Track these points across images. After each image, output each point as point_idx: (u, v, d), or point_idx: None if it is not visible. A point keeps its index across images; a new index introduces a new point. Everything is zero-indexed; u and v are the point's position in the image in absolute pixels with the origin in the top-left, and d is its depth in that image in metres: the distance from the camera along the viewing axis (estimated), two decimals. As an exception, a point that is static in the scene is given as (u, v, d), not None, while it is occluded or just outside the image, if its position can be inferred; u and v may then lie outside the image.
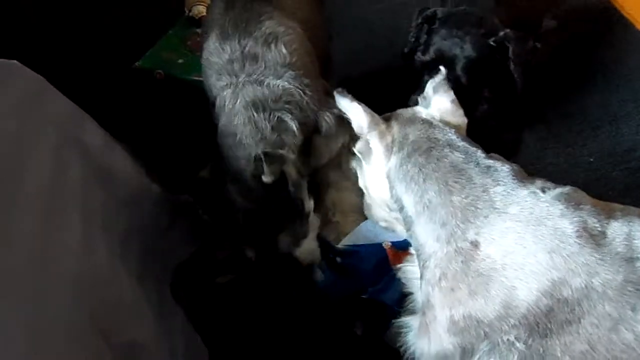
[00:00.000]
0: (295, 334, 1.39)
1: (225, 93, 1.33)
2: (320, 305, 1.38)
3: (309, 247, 1.37)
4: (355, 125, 1.12)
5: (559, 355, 0.90)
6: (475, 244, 0.93)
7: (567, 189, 0.98)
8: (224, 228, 1.35)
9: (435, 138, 1.04)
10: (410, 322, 1.06)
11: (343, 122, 1.35)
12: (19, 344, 0.79)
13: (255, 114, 1.30)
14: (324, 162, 1.46)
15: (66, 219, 0.99)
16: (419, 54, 1.55)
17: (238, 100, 1.31)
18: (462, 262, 0.94)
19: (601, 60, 2.02)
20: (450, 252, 0.95)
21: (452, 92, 1.13)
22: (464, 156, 1.01)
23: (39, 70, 1.11)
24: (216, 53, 1.38)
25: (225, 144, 1.32)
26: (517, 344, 0.91)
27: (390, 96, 1.69)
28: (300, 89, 1.35)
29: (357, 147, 1.11)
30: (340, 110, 1.27)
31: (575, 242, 0.90)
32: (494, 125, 1.71)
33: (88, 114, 1.21)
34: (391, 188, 1.06)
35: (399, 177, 1.03)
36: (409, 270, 1.09)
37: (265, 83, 1.33)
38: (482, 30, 1.47)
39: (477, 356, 0.94)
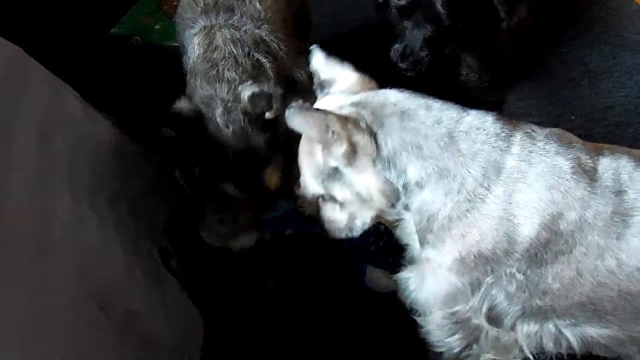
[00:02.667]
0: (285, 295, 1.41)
1: (200, 36, 1.32)
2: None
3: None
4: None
5: (550, 282, 0.96)
6: (487, 188, 0.95)
7: (556, 129, 1.01)
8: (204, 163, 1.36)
9: (408, 107, 0.99)
10: (410, 274, 1.08)
11: None
12: (18, 314, 0.79)
13: (234, 49, 1.29)
14: None
15: (54, 189, 0.98)
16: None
17: (216, 37, 1.31)
18: (472, 208, 0.95)
19: (581, 18, 2.02)
20: (461, 200, 0.95)
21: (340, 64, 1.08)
22: (450, 110, 0.99)
23: (12, 40, 1.08)
24: (189, 8, 1.38)
25: (204, 77, 1.29)
26: (517, 275, 0.97)
27: (376, 56, 1.69)
28: (276, 43, 1.35)
29: (342, 153, 0.96)
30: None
31: (571, 177, 0.94)
32: (477, 85, 1.71)
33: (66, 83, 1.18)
34: (389, 169, 0.98)
35: (396, 152, 0.97)
36: (405, 226, 1.10)
37: (242, 29, 1.32)
38: None
39: (483, 288, 0.99)
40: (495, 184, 0.95)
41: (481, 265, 0.97)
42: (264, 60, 1.31)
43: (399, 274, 1.10)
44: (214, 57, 1.29)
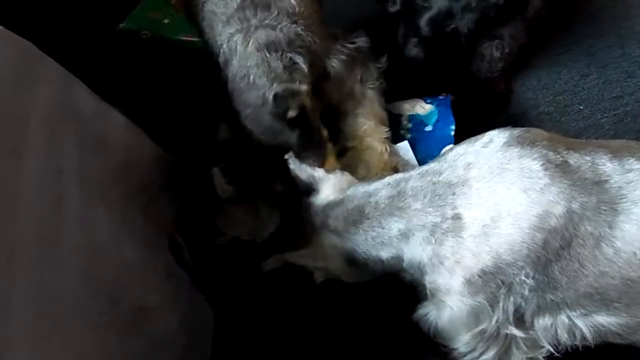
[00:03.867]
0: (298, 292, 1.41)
1: (235, 38, 1.33)
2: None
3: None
4: None
5: (558, 277, 0.98)
6: (457, 217, 0.99)
7: (516, 131, 1.04)
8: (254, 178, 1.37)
9: (355, 206, 1.10)
10: (427, 309, 1.11)
11: (353, 64, 1.43)
12: (27, 313, 0.80)
13: (267, 54, 1.30)
14: (335, 101, 1.47)
15: (64, 187, 0.98)
16: (389, 3, 1.57)
17: (250, 43, 1.31)
18: (453, 237, 0.99)
19: (588, 8, 2.01)
20: (439, 237, 1.00)
21: (318, 170, 1.21)
22: (390, 187, 1.07)
23: (21, 35, 1.08)
24: (222, 3, 1.38)
25: (237, 88, 1.31)
26: (527, 280, 0.98)
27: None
28: (311, 37, 1.36)
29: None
30: (349, 54, 1.38)
31: (544, 174, 0.96)
32: (487, 75, 1.71)
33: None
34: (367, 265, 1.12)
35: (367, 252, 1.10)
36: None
37: (278, 27, 1.33)
38: None
39: (501, 300, 1.01)
40: (467, 209, 0.98)
41: (490, 281, 0.99)
42: (298, 57, 1.31)
43: (416, 313, 1.13)
44: (247, 65, 1.30)
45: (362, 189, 1.11)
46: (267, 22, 1.33)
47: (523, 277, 0.97)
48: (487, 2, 1.49)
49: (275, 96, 1.25)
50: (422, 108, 1.65)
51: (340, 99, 1.50)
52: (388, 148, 1.51)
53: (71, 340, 0.85)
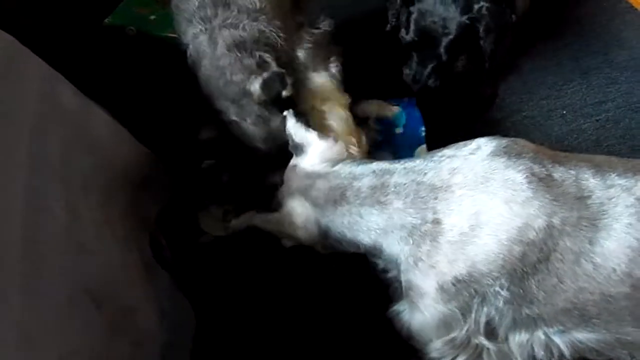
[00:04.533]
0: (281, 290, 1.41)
1: (200, 39, 1.32)
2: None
3: None
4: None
5: (535, 291, 0.97)
6: (437, 221, 0.98)
7: (504, 141, 1.03)
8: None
9: (337, 185, 1.10)
10: (401, 307, 1.11)
11: (318, 49, 1.44)
12: (11, 313, 0.79)
13: (238, 53, 1.30)
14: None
15: (48, 186, 0.97)
16: (403, 31, 1.60)
17: (219, 45, 1.31)
18: (431, 241, 0.99)
19: (573, 15, 2.04)
20: (417, 239, 1.00)
21: (312, 132, 1.19)
22: (375, 176, 1.07)
23: (5, 30, 1.06)
24: None
25: (215, 88, 1.31)
26: (502, 292, 0.98)
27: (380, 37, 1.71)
28: (274, 32, 1.35)
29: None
30: (314, 41, 1.39)
31: (527, 187, 0.95)
32: (473, 79, 1.72)
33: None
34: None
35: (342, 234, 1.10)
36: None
37: (240, 26, 1.32)
38: (459, 7, 1.51)
39: (474, 310, 1.00)
40: (447, 215, 0.98)
41: (463, 289, 0.99)
42: (266, 55, 1.32)
43: (391, 309, 1.13)
44: (220, 65, 1.30)
45: (348, 168, 1.10)
46: (229, 21, 1.32)
47: (498, 289, 0.97)
48: (504, 20, 1.55)
49: (265, 82, 1.25)
50: (390, 110, 1.66)
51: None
52: (350, 115, 1.52)
53: (58, 341, 0.85)
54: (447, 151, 1.06)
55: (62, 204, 0.97)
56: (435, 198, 0.99)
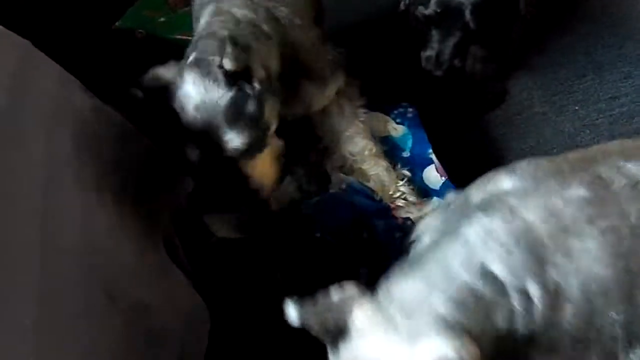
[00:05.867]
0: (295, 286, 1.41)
1: (210, 6, 1.29)
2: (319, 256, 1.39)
3: (263, 169, 1.30)
4: None
5: None
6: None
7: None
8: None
9: None
10: None
11: (337, 68, 1.36)
12: (29, 313, 0.79)
13: (238, 10, 1.25)
14: (316, 109, 1.44)
15: (63, 188, 0.98)
16: (420, 7, 1.53)
17: (223, 5, 1.27)
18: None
19: (585, 9, 2.02)
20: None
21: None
22: None
23: (19, 34, 1.08)
24: None
25: (198, 33, 1.26)
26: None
27: (387, 44, 1.70)
28: (290, 23, 1.32)
29: None
30: (333, 57, 1.30)
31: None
32: (482, 76, 1.72)
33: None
34: None
35: None
36: None
37: (255, 2, 1.29)
38: None
39: None
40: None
41: None
42: (267, 26, 1.26)
43: None
44: (214, 20, 1.25)
45: None
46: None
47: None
48: None
49: (222, 39, 1.17)
50: (395, 129, 1.61)
51: (329, 114, 1.48)
52: (389, 163, 1.50)
53: (73, 338, 0.85)
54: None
55: (77, 204, 0.98)
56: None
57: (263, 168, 1.30)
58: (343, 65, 1.45)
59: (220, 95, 1.18)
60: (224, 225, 1.41)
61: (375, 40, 1.84)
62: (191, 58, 1.22)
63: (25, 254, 0.83)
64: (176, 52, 1.70)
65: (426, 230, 1.03)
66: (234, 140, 1.22)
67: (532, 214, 0.86)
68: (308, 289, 1.39)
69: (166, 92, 1.24)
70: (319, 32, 1.44)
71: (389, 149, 1.58)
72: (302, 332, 1.36)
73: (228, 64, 1.15)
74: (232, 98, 1.19)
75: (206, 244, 1.46)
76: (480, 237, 0.85)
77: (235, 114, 1.20)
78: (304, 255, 1.41)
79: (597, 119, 1.74)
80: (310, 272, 1.41)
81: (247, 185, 1.29)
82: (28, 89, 1.00)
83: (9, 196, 0.85)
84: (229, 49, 1.15)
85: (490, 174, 0.99)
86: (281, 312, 1.38)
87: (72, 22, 1.75)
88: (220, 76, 1.17)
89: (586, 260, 0.84)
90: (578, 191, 0.88)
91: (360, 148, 1.50)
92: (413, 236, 1.07)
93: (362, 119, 1.53)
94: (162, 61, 1.75)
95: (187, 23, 1.62)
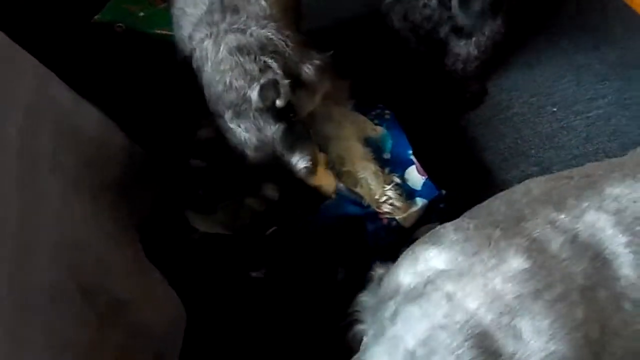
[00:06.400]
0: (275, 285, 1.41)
1: (206, 44, 1.30)
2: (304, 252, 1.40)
3: (323, 178, 1.37)
4: None
5: None
6: None
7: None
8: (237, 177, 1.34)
9: None
10: None
11: (324, 72, 1.36)
12: (3, 307, 0.78)
13: (241, 58, 1.27)
14: (306, 114, 1.45)
15: (39, 182, 0.97)
16: None
17: (221, 48, 1.29)
18: None
19: (564, 11, 2.04)
20: None
21: None
22: None
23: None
24: (192, 3, 1.35)
25: (215, 93, 1.28)
26: None
27: (366, 46, 1.69)
28: (283, 40, 1.33)
29: None
30: (320, 61, 1.29)
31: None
32: (462, 75, 1.73)
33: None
34: None
35: None
36: None
37: (248, 32, 1.30)
38: None
39: None
40: None
41: None
42: (271, 61, 1.29)
43: None
44: (221, 69, 1.28)
45: None
46: (236, 26, 1.31)
47: None
48: None
49: (262, 87, 1.22)
50: (373, 130, 1.60)
51: (317, 118, 1.48)
52: (378, 166, 1.51)
53: (50, 334, 0.85)
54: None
55: (53, 196, 0.97)
56: None
57: (323, 177, 1.36)
58: (329, 69, 1.46)
59: (273, 130, 1.25)
60: (205, 221, 1.41)
61: (353, 42, 1.85)
62: (229, 113, 1.26)
63: (1, 250, 0.82)
64: (155, 47, 1.71)
65: (365, 318, 1.02)
66: (300, 162, 1.28)
67: (472, 300, 0.79)
68: (289, 287, 1.41)
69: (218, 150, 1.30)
70: (302, 37, 1.45)
71: (371, 151, 1.57)
72: (285, 329, 1.37)
73: (280, 102, 1.22)
74: (284, 128, 1.26)
75: (188, 240, 1.46)
76: (419, 341, 0.78)
77: (291, 140, 1.27)
78: (287, 253, 1.41)
79: (574, 121, 1.76)
80: (292, 270, 1.42)
81: (317, 194, 1.35)
82: (3, 81, 0.99)
83: None
84: (282, 89, 1.22)
85: (416, 247, 0.92)
86: (262, 309, 1.40)
87: (51, 15, 1.73)
88: (266, 114, 1.24)
89: (539, 341, 0.77)
90: (515, 263, 0.82)
91: (349, 151, 1.51)
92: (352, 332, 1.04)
93: (350, 121, 1.54)
94: (142, 55, 1.75)
95: (166, 18, 1.61)
